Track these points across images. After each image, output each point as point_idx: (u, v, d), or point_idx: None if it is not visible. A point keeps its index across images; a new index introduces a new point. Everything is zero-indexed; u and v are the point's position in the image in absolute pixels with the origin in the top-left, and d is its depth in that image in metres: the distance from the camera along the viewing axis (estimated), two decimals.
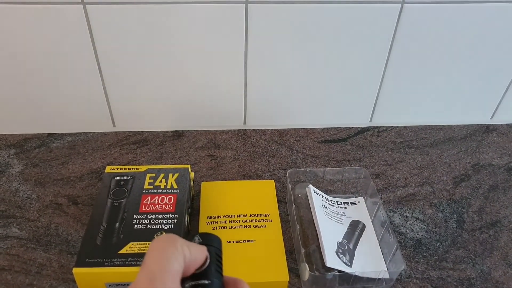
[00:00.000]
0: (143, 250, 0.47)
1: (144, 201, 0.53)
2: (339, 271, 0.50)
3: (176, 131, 0.73)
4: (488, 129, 0.76)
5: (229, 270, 0.51)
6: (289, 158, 0.68)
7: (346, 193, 0.62)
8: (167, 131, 0.73)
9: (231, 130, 0.73)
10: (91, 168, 0.65)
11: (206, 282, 0.29)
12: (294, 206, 0.54)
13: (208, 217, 0.55)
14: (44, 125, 0.71)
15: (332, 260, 0.50)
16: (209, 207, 0.57)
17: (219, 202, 0.57)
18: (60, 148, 0.69)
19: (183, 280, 0.28)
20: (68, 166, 0.66)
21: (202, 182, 0.60)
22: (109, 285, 0.47)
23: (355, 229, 0.56)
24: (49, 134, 0.71)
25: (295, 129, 0.74)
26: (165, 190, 0.54)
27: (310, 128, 0.74)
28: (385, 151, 0.70)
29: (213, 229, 0.54)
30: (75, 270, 0.45)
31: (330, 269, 0.50)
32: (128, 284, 0.47)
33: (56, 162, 0.66)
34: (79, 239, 0.55)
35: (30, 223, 0.57)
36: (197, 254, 0.29)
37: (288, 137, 0.72)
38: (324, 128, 0.74)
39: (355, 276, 0.49)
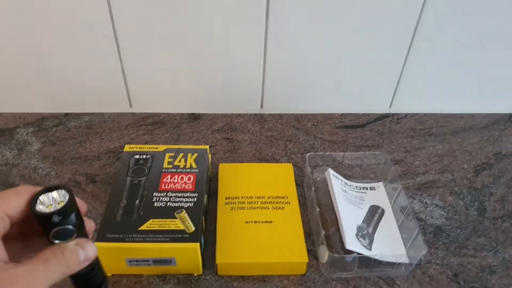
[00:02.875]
0: (163, 227, 0.47)
1: (164, 180, 0.53)
2: (358, 254, 0.50)
3: (192, 113, 0.72)
4: (511, 118, 0.74)
5: (248, 250, 0.51)
6: (307, 143, 0.68)
7: (364, 178, 0.61)
8: (183, 114, 0.72)
9: (247, 114, 0.73)
10: (108, 148, 0.65)
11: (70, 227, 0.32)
12: (313, 188, 0.54)
13: (226, 198, 0.55)
14: (61, 105, 0.71)
15: (352, 243, 0.49)
16: (227, 188, 0.56)
17: (237, 183, 0.57)
18: (78, 127, 0.69)
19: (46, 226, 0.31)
20: (86, 145, 0.66)
21: (220, 164, 0.60)
22: (129, 261, 0.47)
23: (374, 214, 0.56)
24: (66, 114, 0.71)
25: (312, 114, 0.73)
26: (185, 170, 0.54)
27: (328, 114, 0.73)
28: (405, 138, 0.69)
29: (231, 209, 0.54)
30: (96, 245, 0.45)
31: (349, 253, 0.50)
32: (147, 261, 0.47)
33: (74, 141, 0.66)
34: (98, 216, 0.55)
35: None
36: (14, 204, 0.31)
37: (306, 122, 0.72)
38: (342, 113, 0.73)
39: (375, 260, 0.49)
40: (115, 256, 0.46)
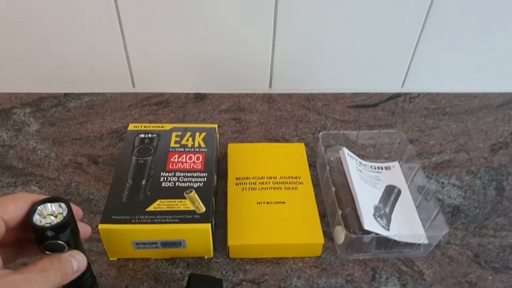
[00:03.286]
0: (172, 207, 0.45)
1: (171, 159, 0.50)
2: (376, 234, 0.47)
3: (198, 93, 0.69)
4: None
5: (261, 231, 0.49)
6: (318, 122, 0.65)
7: (379, 158, 0.59)
8: (189, 93, 0.69)
9: (255, 93, 0.70)
10: (111, 128, 0.62)
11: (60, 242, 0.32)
12: (328, 168, 0.52)
13: (236, 178, 0.53)
14: (60, 85, 0.68)
15: (370, 223, 0.47)
16: (237, 168, 0.54)
17: (247, 163, 0.55)
18: (78, 107, 0.66)
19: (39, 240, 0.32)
20: (87, 125, 0.63)
21: (229, 144, 0.57)
22: (136, 243, 0.44)
23: (390, 194, 0.53)
24: (65, 94, 0.68)
25: (323, 93, 0.70)
26: (193, 149, 0.52)
27: (339, 93, 0.70)
28: (418, 117, 0.67)
29: (242, 190, 0.51)
30: (101, 227, 0.43)
31: (366, 233, 0.47)
32: (155, 243, 0.45)
33: (74, 121, 0.63)
34: (102, 199, 0.53)
35: (50, 181, 0.54)
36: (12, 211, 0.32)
37: (316, 101, 0.69)
38: (353, 93, 0.71)
39: (393, 240, 0.47)
40: (121, 239, 0.44)
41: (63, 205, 0.34)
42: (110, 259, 0.46)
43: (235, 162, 0.55)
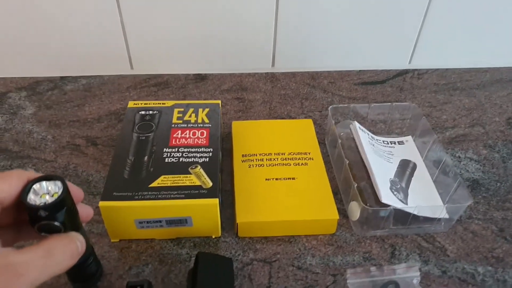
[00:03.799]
0: (177, 183, 0.42)
1: (174, 135, 0.47)
2: (395, 208, 0.44)
3: (198, 74, 0.67)
4: None
5: (270, 208, 0.46)
6: (325, 100, 0.63)
7: (390, 134, 0.57)
8: (188, 74, 0.67)
9: (258, 73, 0.67)
10: (109, 110, 0.60)
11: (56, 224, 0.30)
12: (339, 141, 0.49)
13: (242, 155, 0.50)
14: (56, 68, 0.65)
15: (387, 196, 0.45)
16: (242, 146, 0.51)
17: (253, 140, 0.52)
18: (75, 90, 0.63)
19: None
20: (84, 108, 0.60)
21: (233, 121, 0.54)
22: (139, 222, 0.41)
23: (405, 168, 0.51)
24: (62, 77, 0.65)
25: (328, 71, 0.68)
26: (196, 125, 0.49)
27: (345, 71, 0.68)
28: (428, 92, 0.64)
29: (249, 167, 0.48)
30: (102, 204, 0.40)
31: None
32: (160, 221, 0.42)
33: (71, 104, 0.61)
34: (101, 180, 0.50)
35: (47, 163, 0.52)
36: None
37: (321, 79, 0.66)
38: (359, 70, 0.68)
39: (412, 216, 0.44)
40: (123, 217, 0.41)
41: (59, 183, 0.31)
42: (112, 240, 0.43)
43: (240, 139, 0.52)
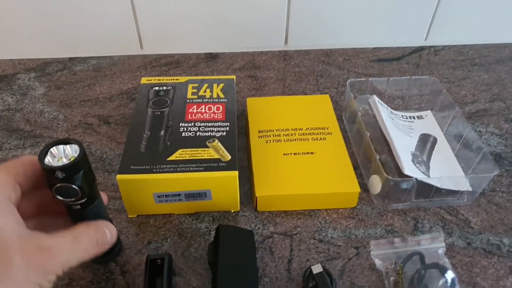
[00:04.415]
0: (195, 156, 0.41)
1: (190, 110, 0.46)
2: (417, 180, 0.43)
3: (209, 53, 0.66)
4: None
5: (290, 181, 0.44)
6: (340, 77, 0.61)
7: (408, 109, 0.55)
8: (199, 53, 0.65)
9: (270, 51, 0.66)
10: (120, 89, 0.59)
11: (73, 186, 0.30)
12: (359, 114, 0.48)
13: (259, 131, 0.49)
14: (65, 49, 0.64)
15: (409, 168, 0.44)
16: (258, 122, 0.50)
17: (269, 116, 0.51)
18: (84, 71, 0.62)
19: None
20: (95, 87, 0.59)
21: (248, 98, 0.53)
22: (158, 196, 0.41)
23: (426, 142, 0.50)
24: (71, 58, 0.64)
25: (342, 49, 0.66)
26: (211, 100, 0.48)
27: (359, 48, 0.66)
28: (446, 68, 0.63)
29: (266, 143, 0.48)
30: (120, 177, 0.39)
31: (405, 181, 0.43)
32: (178, 195, 0.41)
33: (82, 84, 0.60)
34: (116, 157, 0.49)
35: None
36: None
37: (336, 56, 0.65)
38: (374, 47, 0.66)
39: (435, 188, 0.43)
40: (141, 191, 0.40)
41: (76, 147, 0.30)
42: (129, 216, 0.43)
43: (255, 116, 0.51)
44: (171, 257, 0.38)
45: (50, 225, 0.32)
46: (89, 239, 0.30)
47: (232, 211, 0.43)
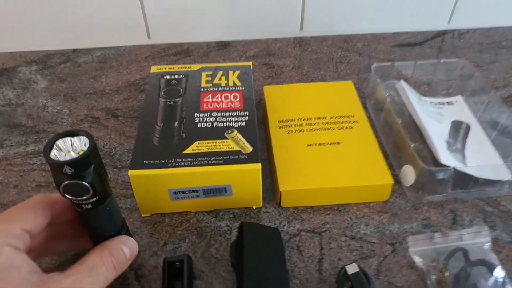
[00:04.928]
0: (213, 149, 0.38)
1: (205, 99, 0.43)
2: (455, 169, 0.39)
3: (221, 41, 0.62)
4: None
5: (316, 174, 0.39)
6: (361, 63, 0.58)
7: (435, 96, 0.52)
8: (210, 42, 0.62)
9: (285, 38, 0.62)
10: (128, 81, 0.55)
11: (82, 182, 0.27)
12: (388, 100, 0.44)
13: (279, 121, 0.45)
14: (68, 41, 0.60)
15: (446, 156, 0.40)
16: (278, 111, 0.46)
17: (288, 105, 0.47)
18: (89, 63, 0.59)
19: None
20: (101, 79, 0.56)
21: (265, 86, 0.50)
22: (174, 193, 0.37)
23: (458, 129, 0.46)
24: (74, 50, 0.61)
25: (361, 34, 0.62)
26: (227, 88, 0.45)
27: (379, 33, 0.62)
28: (472, 52, 0.59)
29: (288, 133, 0.44)
30: (132, 173, 0.36)
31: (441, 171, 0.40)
32: (196, 191, 0.38)
33: (87, 76, 0.56)
34: (126, 152, 0.46)
35: None
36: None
37: (355, 42, 0.61)
38: (394, 32, 0.63)
39: (473, 179, 0.39)
40: (156, 187, 0.37)
41: (85, 139, 0.27)
42: (143, 215, 0.39)
43: (274, 105, 0.48)
44: (191, 258, 0.35)
45: (63, 233, 0.31)
46: (106, 266, 0.28)
47: (254, 207, 0.40)
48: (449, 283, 0.33)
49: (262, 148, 0.46)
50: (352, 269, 0.33)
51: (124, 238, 0.31)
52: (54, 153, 0.27)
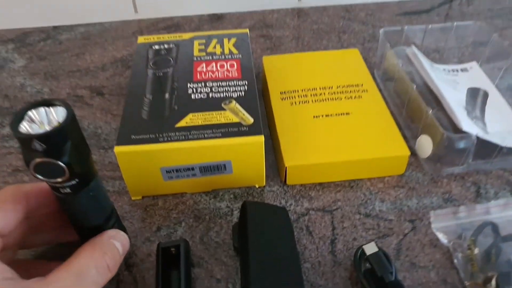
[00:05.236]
0: (209, 121, 0.33)
1: (198, 69, 0.39)
2: (477, 137, 0.35)
3: (213, 14, 0.58)
4: None
5: (324, 147, 0.35)
6: (365, 32, 0.54)
7: (447, 64, 0.49)
8: (202, 15, 0.57)
9: (282, 9, 0.58)
10: (114, 57, 0.51)
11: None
12: (400, 65, 0.40)
13: (281, 92, 0.41)
14: (47, 17, 0.56)
15: (467, 123, 0.37)
16: (279, 82, 0.42)
17: (291, 76, 0.43)
18: (72, 39, 0.54)
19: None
20: (85, 56, 0.51)
21: (264, 57, 0.46)
22: (167, 171, 0.33)
23: (475, 97, 0.43)
24: (55, 27, 0.56)
25: (363, 3, 0.58)
26: (223, 56, 0.40)
27: (382, 2, 0.58)
28: (483, 19, 0.55)
29: (291, 105, 0.40)
30: (118, 150, 0.31)
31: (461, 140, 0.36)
32: (192, 169, 0.34)
33: (69, 53, 0.52)
34: (112, 132, 0.41)
35: None
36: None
37: (357, 12, 0.57)
38: (399, 1, 0.59)
39: (497, 147, 0.36)
40: (146, 165, 0.33)
41: (63, 110, 0.23)
42: (133, 198, 0.35)
43: (275, 76, 0.43)
44: (188, 244, 0.31)
45: (45, 225, 0.28)
46: (97, 268, 0.24)
47: (257, 186, 0.36)
48: (479, 261, 0.30)
49: (263, 123, 0.42)
50: (370, 248, 0.30)
51: (114, 232, 0.27)
52: (25, 126, 0.23)
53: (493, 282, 0.28)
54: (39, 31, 0.55)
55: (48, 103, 0.24)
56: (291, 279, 0.28)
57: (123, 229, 0.32)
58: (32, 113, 0.23)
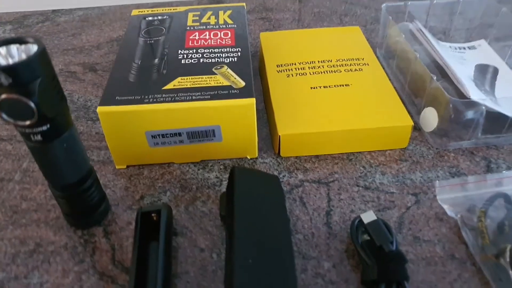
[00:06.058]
0: (198, 84, 0.32)
1: (190, 37, 0.38)
2: (486, 108, 0.32)
3: None
4: None
5: (324, 117, 0.32)
6: (368, 15, 0.52)
7: (453, 43, 0.46)
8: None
9: None
10: (110, 37, 0.50)
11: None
12: (403, 36, 0.38)
13: (277, 65, 0.40)
14: (47, 1, 0.55)
15: (476, 93, 0.35)
16: (276, 56, 0.40)
17: (289, 50, 0.41)
18: (69, 22, 0.53)
19: None
20: (81, 36, 0.50)
21: (261, 33, 0.44)
22: (152, 137, 0.32)
23: (485, 73, 0.40)
24: (54, 10, 0.56)
25: None
26: (217, 26, 0.39)
27: None
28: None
29: (287, 77, 0.38)
30: (101, 110, 0.30)
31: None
32: (179, 134, 0.31)
33: (65, 34, 0.51)
34: None
35: None
36: None
37: None
38: None
39: (509, 120, 0.34)
40: (130, 129, 0.31)
41: (34, 46, 0.22)
42: (117, 167, 0.33)
43: (272, 50, 0.42)
44: (171, 210, 0.29)
45: None
46: None
47: (249, 157, 0.34)
48: (491, 234, 0.27)
49: (257, 98, 0.40)
50: (368, 217, 0.27)
51: None
52: None
53: (508, 253, 0.25)
54: (38, 14, 0.55)
55: (21, 41, 0.22)
56: (279, 248, 0.25)
57: (103, 195, 0.30)
58: (2, 49, 0.22)
